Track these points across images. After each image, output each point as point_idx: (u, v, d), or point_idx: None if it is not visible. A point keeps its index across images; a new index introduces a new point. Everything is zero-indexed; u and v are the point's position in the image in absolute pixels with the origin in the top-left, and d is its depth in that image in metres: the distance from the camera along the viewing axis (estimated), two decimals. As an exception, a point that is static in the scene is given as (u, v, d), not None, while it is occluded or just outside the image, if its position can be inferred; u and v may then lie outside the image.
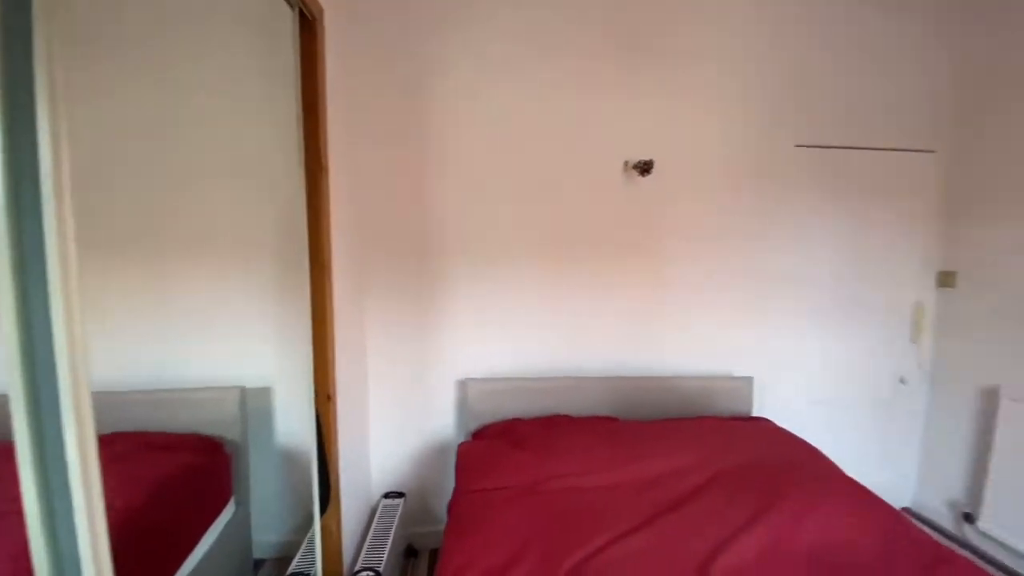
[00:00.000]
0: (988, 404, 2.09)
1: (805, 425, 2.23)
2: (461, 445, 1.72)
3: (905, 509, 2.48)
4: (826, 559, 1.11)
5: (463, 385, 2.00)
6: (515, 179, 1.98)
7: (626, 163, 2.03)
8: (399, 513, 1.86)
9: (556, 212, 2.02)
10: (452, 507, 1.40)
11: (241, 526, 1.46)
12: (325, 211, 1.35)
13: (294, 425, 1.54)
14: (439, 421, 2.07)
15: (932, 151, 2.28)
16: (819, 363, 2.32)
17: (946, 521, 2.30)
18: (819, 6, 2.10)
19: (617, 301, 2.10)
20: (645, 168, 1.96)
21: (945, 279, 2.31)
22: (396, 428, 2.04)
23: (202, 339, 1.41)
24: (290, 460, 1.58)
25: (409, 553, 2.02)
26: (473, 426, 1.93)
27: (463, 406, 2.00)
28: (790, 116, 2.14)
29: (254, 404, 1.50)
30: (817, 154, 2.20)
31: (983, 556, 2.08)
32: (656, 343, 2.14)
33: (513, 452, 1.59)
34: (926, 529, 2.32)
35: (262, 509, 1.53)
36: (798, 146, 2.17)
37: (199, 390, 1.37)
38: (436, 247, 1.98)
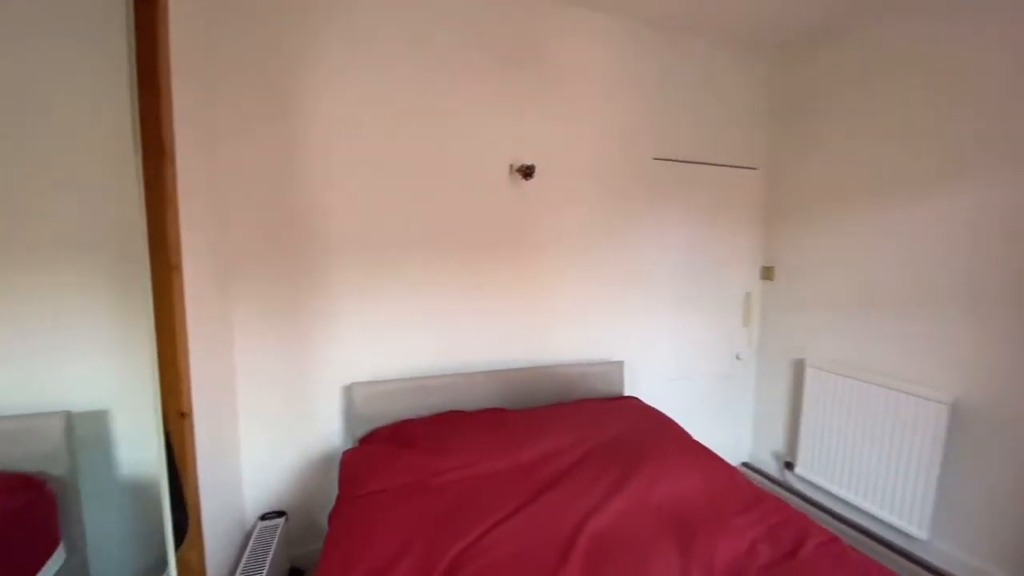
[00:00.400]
0: (798, 372, 2.62)
1: (665, 398, 2.58)
2: (345, 452, 1.66)
3: (744, 463, 2.99)
4: (672, 509, 1.31)
5: (349, 390, 1.92)
6: (402, 178, 1.96)
7: (511, 166, 2.13)
8: (279, 534, 1.72)
9: (444, 212, 2.05)
10: (333, 516, 1.34)
11: (75, 575, 1.23)
12: (172, 203, 1.20)
13: (141, 451, 1.34)
14: (324, 430, 1.96)
15: (755, 168, 2.78)
16: (675, 346, 2.68)
17: (773, 470, 2.82)
18: (671, 38, 2.43)
19: (504, 298, 2.20)
20: (527, 172, 2.08)
21: (766, 273, 2.84)
22: (273, 442, 1.88)
23: (13, 357, 1.16)
24: (138, 492, 1.36)
25: (293, 575, 1.88)
26: (361, 431, 1.87)
27: (350, 412, 1.92)
28: (649, 132, 2.45)
29: (87, 431, 1.27)
30: (671, 166, 2.54)
31: (800, 495, 2.59)
32: (541, 336, 2.28)
33: (402, 452, 1.58)
34: (758, 478, 2.83)
35: (104, 552, 1.30)
36: (655, 159, 2.49)
37: (7, 419, 1.12)
38: (316, 246, 1.87)
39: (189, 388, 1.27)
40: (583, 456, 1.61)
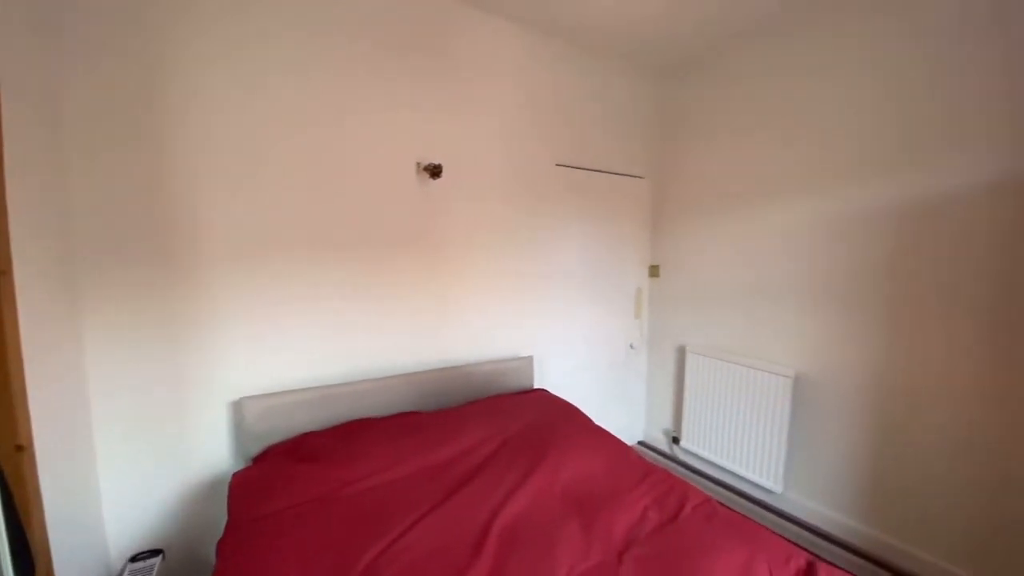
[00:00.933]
0: (681, 358, 2.96)
1: (571, 388, 2.75)
2: (235, 475, 1.51)
3: (640, 442, 3.30)
4: (576, 491, 1.42)
5: (237, 406, 1.74)
6: (297, 177, 1.83)
7: (418, 164, 2.10)
8: (155, 575, 1.51)
9: (347, 212, 1.96)
10: (222, 545, 1.22)
11: None
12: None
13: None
14: (209, 453, 1.76)
15: (642, 177, 3.08)
16: (577, 339, 2.87)
17: (663, 446, 3.16)
18: (569, 53, 2.59)
19: (415, 299, 2.17)
20: (435, 171, 2.07)
21: (653, 271, 3.17)
22: (145, 472, 1.64)
23: None
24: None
25: (174, 620, 1.66)
26: (255, 450, 1.71)
27: (240, 430, 1.74)
28: (551, 140, 2.59)
29: None
30: (571, 173, 2.71)
31: (685, 465, 2.93)
32: (453, 336, 2.30)
33: (302, 467, 1.48)
34: (651, 454, 3.14)
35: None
36: (558, 165, 2.64)
37: None
38: (194, 248, 1.66)
39: (27, 417, 1.06)
40: (497, 449, 1.67)
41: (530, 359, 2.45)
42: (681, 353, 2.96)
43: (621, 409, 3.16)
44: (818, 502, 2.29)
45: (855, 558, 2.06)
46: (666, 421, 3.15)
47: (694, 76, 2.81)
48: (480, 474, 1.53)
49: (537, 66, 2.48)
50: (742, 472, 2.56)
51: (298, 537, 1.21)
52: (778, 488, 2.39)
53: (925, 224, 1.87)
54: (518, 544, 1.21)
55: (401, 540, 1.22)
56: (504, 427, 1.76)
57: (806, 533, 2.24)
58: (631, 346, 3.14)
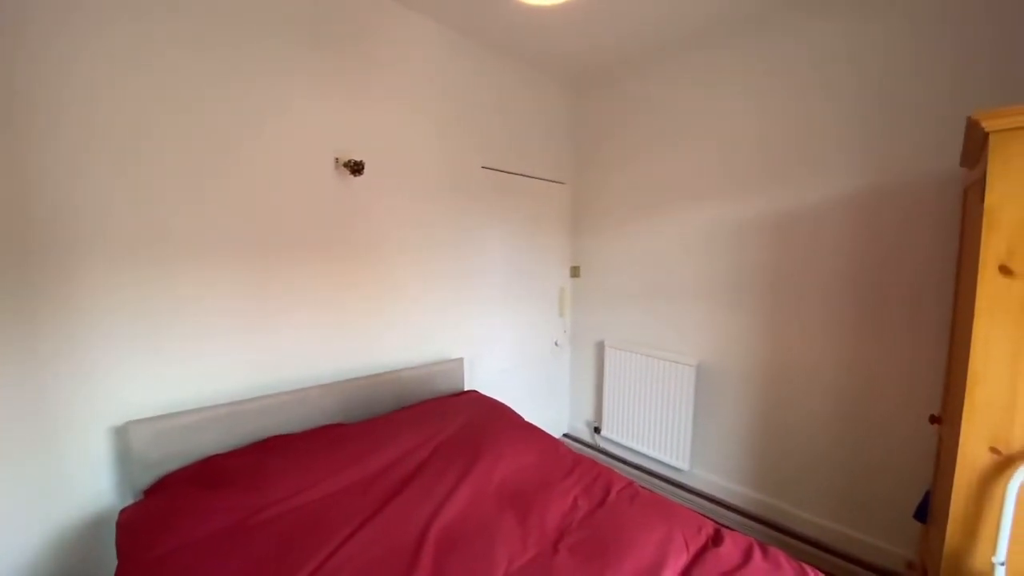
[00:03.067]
0: (600, 352, 3.15)
1: (501, 387, 2.80)
2: (123, 511, 1.31)
3: (566, 434, 3.45)
4: (511, 487, 1.45)
5: (123, 432, 1.50)
6: (196, 164, 1.63)
7: (337, 160, 1.99)
8: (12, 644, 1.26)
9: (256, 207, 1.79)
10: (114, 593, 1.05)
11: None
12: None
13: None
14: (89, 489, 1.50)
15: (563, 183, 3.22)
16: (506, 338, 2.93)
17: (586, 436, 3.33)
18: (493, 58, 2.62)
19: (337, 303, 2.05)
20: (356, 168, 1.97)
21: (575, 271, 3.33)
22: (4, 517, 1.36)
23: None
24: None
25: None
26: (146, 481, 1.49)
27: (127, 459, 1.51)
28: (477, 143, 2.60)
29: None
30: (496, 175, 2.75)
31: (607, 453, 3.12)
32: (379, 341, 2.21)
33: (208, 495, 1.33)
34: (576, 444, 3.30)
35: None
36: (483, 167, 2.66)
37: None
38: (66, 248, 1.41)
39: None
40: (430, 455, 1.64)
41: (460, 361, 2.45)
42: (600, 348, 3.14)
43: (548, 404, 3.28)
44: (719, 476, 2.58)
45: (751, 522, 2.36)
46: (588, 413, 3.33)
47: (610, 89, 3.00)
48: (413, 481, 1.50)
49: (458, 66, 2.47)
50: (655, 454, 2.79)
51: (208, 573, 1.09)
52: (685, 466, 2.65)
53: (797, 231, 2.20)
54: (457, 547, 1.21)
55: (331, 560, 1.15)
56: (436, 431, 1.73)
57: (711, 504, 2.52)
58: (556, 343, 3.27)
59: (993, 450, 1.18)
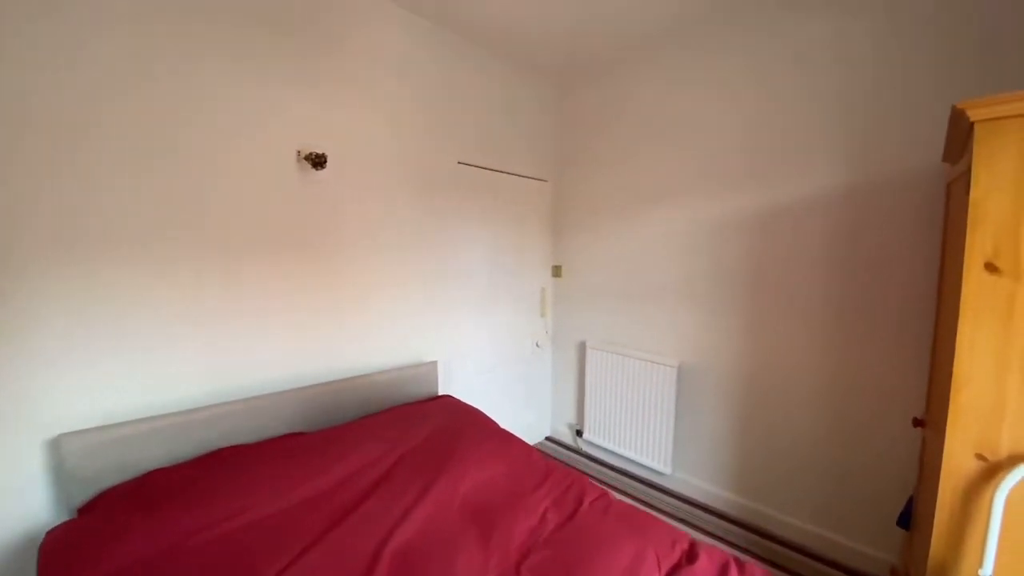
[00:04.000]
0: (582, 353, 3.07)
1: (479, 390, 2.71)
2: (49, 533, 1.19)
3: (548, 437, 3.37)
4: (475, 502, 1.36)
5: (56, 445, 1.39)
6: (145, 164, 1.51)
7: (299, 153, 1.88)
8: None
9: (210, 201, 1.67)
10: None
11: None
12: None
13: None
14: (16, 508, 1.38)
15: (545, 180, 3.14)
16: (485, 340, 2.83)
17: (569, 439, 3.25)
18: (473, 53, 2.53)
19: (302, 305, 1.94)
20: (318, 161, 1.87)
21: (557, 271, 3.25)
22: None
23: None
24: None
25: None
26: (83, 498, 1.38)
27: (61, 474, 1.39)
28: (454, 137, 2.50)
29: None
30: (474, 172, 2.66)
31: (589, 456, 3.05)
32: (347, 344, 2.10)
33: (145, 513, 1.22)
34: (558, 448, 3.22)
35: None
36: (460, 163, 2.56)
37: None
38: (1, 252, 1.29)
39: None
40: (393, 465, 1.54)
41: (434, 364, 2.34)
42: (582, 349, 3.07)
43: (530, 407, 3.20)
44: (702, 479, 2.52)
45: (734, 527, 2.30)
46: (571, 415, 3.25)
47: (594, 85, 2.92)
48: (373, 495, 1.40)
49: (433, 58, 2.38)
50: (637, 458, 2.72)
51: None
52: (668, 470, 2.59)
53: (778, 230, 2.14)
54: (413, 568, 1.12)
55: (277, 582, 1.05)
56: (401, 441, 1.64)
57: (693, 509, 2.45)
58: (536, 344, 3.18)
59: (979, 456, 1.12)
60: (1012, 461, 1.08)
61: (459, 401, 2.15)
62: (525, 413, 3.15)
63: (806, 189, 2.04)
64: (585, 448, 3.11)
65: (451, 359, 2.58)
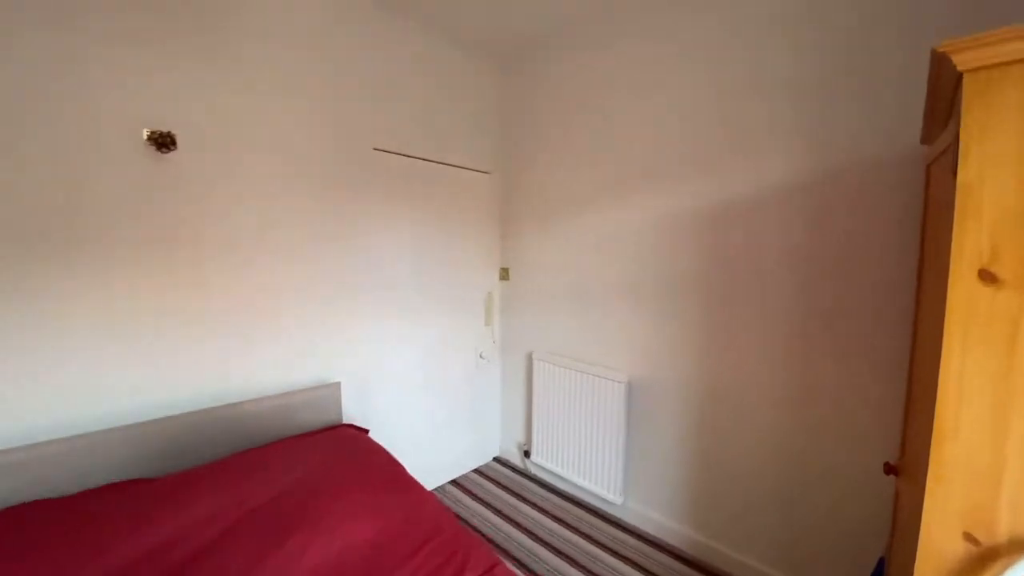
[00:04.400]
0: (529, 365, 2.75)
1: (408, 412, 2.40)
2: None
3: (496, 458, 3.05)
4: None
5: None
6: None
7: (148, 133, 1.51)
8: None
9: (24, 195, 1.32)
10: None
11: None
12: None
13: None
14: None
15: (490, 172, 2.81)
16: (418, 352, 2.50)
17: (518, 460, 2.93)
18: (398, 26, 2.19)
19: (151, 317, 1.58)
20: (164, 142, 1.51)
21: (504, 273, 2.92)
22: None
23: None
24: None
25: None
26: None
27: None
28: (368, 120, 2.16)
29: None
30: (398, 161, 2.31)
31: (538, 481, 2.73)
32: (224, 364, 1.75)
33: None
34: (504, 472, 2.89)
35: None
36: (377, 149, 2.22)
37: None
38: None
39: None
40: (232, 525, 1.20)
41: (336, 386, 1.99)
42: (529, 360, 2.75)
43: (475, 425, 2.87)
44: (655, 511, 2.21)
45: (688, 569, 1.99)
46: (519, 433, 2.93)
47: (540, 65, 2.59)
48: (190, 570, 1.06)
49: (343, 29, 2.03)
50: (586, 485, 2.41)
51: None
52: (618, 499, 2.28)
53: (733, 228, 1.84)
54: None
55: None
56: (249, 494, 1.29)
57: (643, 546, 2.14)
58: (481, 356, 2.85)
59: (968, 537, 0.81)
60: (1014, 547, 0.78)
61: (357, 433, 1.80)
62: (471, 431, 2.82)
63: (767, 177, 1.74)
64: (533, 470, 2.79)
65: (368, 378, 2.24)
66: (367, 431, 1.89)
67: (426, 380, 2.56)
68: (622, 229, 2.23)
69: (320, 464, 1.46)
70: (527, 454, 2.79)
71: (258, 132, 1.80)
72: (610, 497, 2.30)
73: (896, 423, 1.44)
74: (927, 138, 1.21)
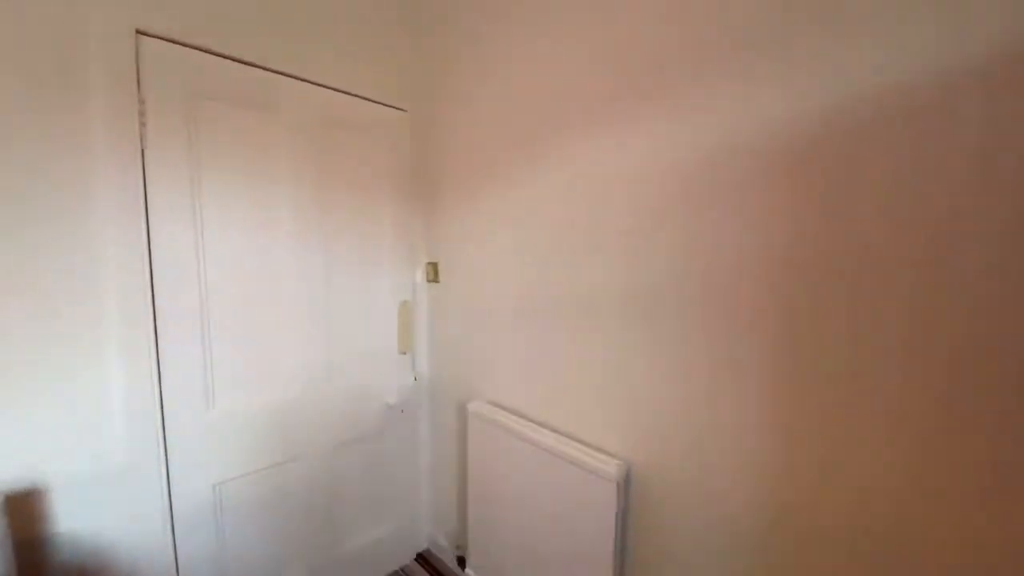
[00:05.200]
0: (463, 420, 1.70)
1: (244, 509, 1.31)
2: None
3: (421, 555, 2.01)
4: None
5: None
6: None
7: None
8: None
9: None
10: None
11: None
12: None
13: None
14: None
15: (404, 110, 1.79)
16: (252, 412, 1.45)
17: (450, 560, 1.90)
18: None
19: None
20: None
21: (432, 272, 1.87)
22: None
23: None
24: None
25: None
26: None
27: None
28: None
29: None
30: (213, 64, 1.28)
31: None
32: None
33: None
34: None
35: None
36: (143, 33, 1.18)
37: None
38: None
39: None
40: None
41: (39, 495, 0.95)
42: (463, 414, 1.72)
43: (387, 509, 1.83)
44: None
45: None
46: (453, 520, 1.90)
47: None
48: None
49: None
50: (550, 641, 1.38)
51: None
52: None
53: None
54: None
55: None
56: None
57: None
58: (389, 405, 1.81)
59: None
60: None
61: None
62: (385, 519, 1.80)
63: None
64: (472, 585, 1.76)
65: (140, 463, 1.20)
66: None
67: (279, 456, 1.52)
68: (613, 187, 1.22)
69: None
70: (462, 562, 1.76)
71: None
72: (589, 670, 1.27)
73: None
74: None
